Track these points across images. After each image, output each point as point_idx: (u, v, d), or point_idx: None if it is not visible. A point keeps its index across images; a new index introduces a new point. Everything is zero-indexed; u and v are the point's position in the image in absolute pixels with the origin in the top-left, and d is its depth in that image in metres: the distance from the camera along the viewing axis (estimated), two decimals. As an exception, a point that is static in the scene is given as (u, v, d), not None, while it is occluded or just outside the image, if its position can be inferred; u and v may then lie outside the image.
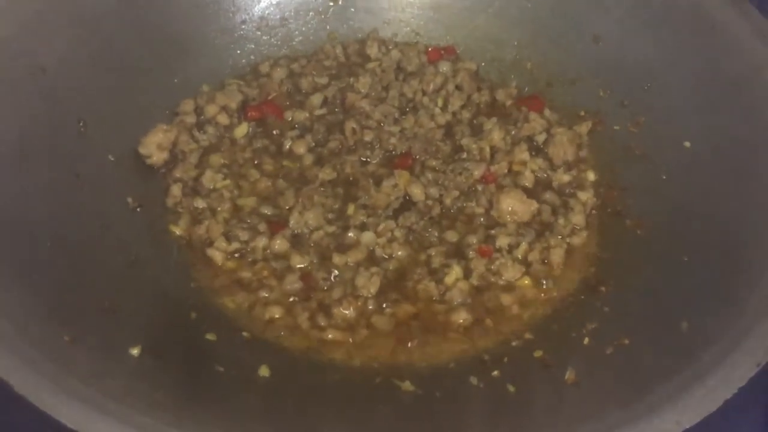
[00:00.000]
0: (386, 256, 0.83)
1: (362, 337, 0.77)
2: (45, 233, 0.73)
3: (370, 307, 0.79)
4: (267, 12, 1.05)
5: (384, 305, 0.79)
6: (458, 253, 0.84)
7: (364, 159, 0.93)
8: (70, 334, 0.62)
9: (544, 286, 0.82)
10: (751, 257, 0.70)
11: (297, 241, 0.84)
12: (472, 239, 0.85)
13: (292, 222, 0.85)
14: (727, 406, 0.58)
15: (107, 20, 0.89)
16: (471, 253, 0.83)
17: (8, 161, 0.75)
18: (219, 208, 0.86)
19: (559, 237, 0.86)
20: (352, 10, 1.08)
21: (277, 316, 0.78)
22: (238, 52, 1.03)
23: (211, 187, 0.88)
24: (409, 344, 0.76)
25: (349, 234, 0.85)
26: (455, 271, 0.82)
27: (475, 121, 0.97)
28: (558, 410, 0.66)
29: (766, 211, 0.73)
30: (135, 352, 0.66)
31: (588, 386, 0.67)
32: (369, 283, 0.80)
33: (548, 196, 0.90)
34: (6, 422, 0.69)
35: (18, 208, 0.72)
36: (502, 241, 0.84)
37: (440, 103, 0.99)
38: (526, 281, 0.82)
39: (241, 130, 0.94)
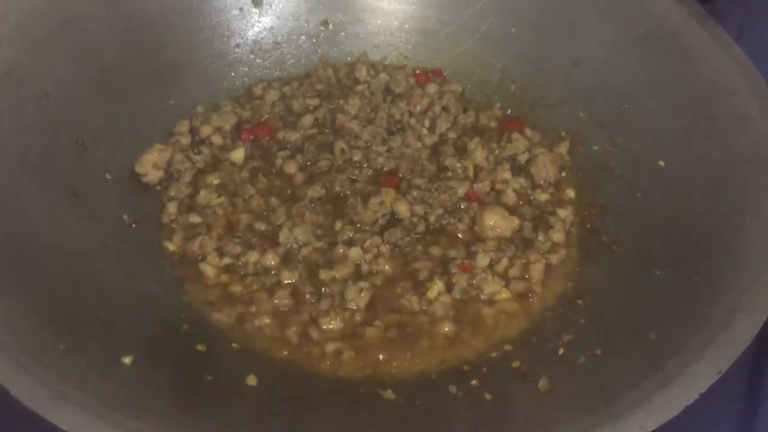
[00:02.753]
0: (373, 271, 0.87)
1: (349, 348, 0.80)
2: (44, 248, 0.76)
3: (357, 319, 0.82)
4: (261, 36, 1.09)
5: (373, 318, 0.82)
6: (441, 268, 0.87)
7: (353, 177, 0.96)
8: (66, 343, 0.65)
9: (524, 301, 0.85)
10: (717, 271, 0.73)
11: (286, 257, 0.87)
12: (455, 255, 0.88)
13: (282, 238, 0.88)
14: (700, 416, 0.62)
15: (108, 46, 0.93)
16: (453, 268, 0.86)
17: (10, 179, 0.78)
18: (213, 224, 0.89)
19: (539, 253, 0.89)
20: (343, 34, 1.12)
21: (266, 328, 0.81)
22: (232, 74, 1.07)
23: (206, 204, 0.91)
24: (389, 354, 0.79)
25: (339, 249, 0.88)
26: (437, 286, 0.84)
27: (459, 142, 1.01)
28: (531, 417, 0.69)
29: (732, 228, 0.76)
30: (127, 361, 0.69)
31: (560, 394, 0.70)
32: (359, 297, 0.83)
33: (529, 213, 0.94)
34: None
35: (19, 224, 0.76)
36: (484, 257, 0.87)
37: (427, 123, 1.03)
38: (507, 295, 0.85)
39: (238, 154, 0.97)
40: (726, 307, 0.68)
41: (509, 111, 1.06)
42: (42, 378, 0.59)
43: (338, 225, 0.91)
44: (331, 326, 0.81)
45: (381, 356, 0.79)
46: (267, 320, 0.81)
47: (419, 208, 0.92)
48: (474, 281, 0.86)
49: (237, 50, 1.07)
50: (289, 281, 0.85)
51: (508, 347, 0.81)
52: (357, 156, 0.98)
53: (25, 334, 0.63)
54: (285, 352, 0.79)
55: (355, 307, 0.82)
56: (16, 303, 0.66)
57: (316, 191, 0.93)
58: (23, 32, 0.86)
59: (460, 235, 0.91)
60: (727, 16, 1.00)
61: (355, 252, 0.87)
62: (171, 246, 0.88)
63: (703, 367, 0.63)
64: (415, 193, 0.94)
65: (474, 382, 0.75)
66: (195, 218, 0.89)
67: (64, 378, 0.60)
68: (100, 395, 0.61)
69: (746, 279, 0.71)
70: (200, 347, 0.77)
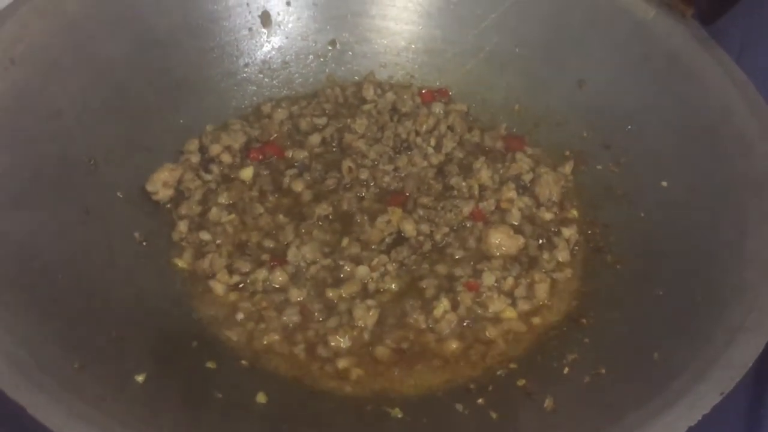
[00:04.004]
0: (380, 290, 0.88)
1: (357, 365, 0.81)
2: (57, 266, 0.77)
3: (365, 337, 0.83)
4: (269, 56, 1.10)
5: (380, 336, 0.83)
6: (447, 285, 0.88)
7: (360, 195, 0.98)
8: (80, 361, 0.66)
9: (529, 319, 0.86)
10: (719, 292, 0.74)
11: (295, 275, 0.88)
12: (461, 273, 0.89)
13: (290, 256, 0.89)
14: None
15: (119, 66, 0.94)
16: (459, 287, 0.88)
17: (23, 197, 0.79)
18: (223, 242, 0.90)
19: (544, 272, 0.90)
20: (350, 53, 1.13)
21: (275, 345, 0.82)
22: (241, 93, 1.08)
23: (217, 221, 0.92)
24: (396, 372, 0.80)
25: (345, 267, 0.89)
26: (443, 304, 0.85)
27: (464, 161, 1.02)
28: (537, 436, 0.71)
29: (734, 249, 0.77)
30: (140, 378, 0.70)
31: (565, 413, 0.71)
32: (367, 316, 0.84)
33: (534, 232, 0.95)
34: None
35: (32, 242, 0.77)
36: (489, 276, 0.88)
37: (433, 143, 1.04)
38: (512, 314, 0.86)
39: (247, 172, 0.98)
40: (729, 327, 0.69)
41: (514, 130, 1.07)
42: (57, 396, 0.60)
43: (345, 242, 0.92)
44: (339, 344, 0.82)
45: (388, 374, 0.80)
46: (276, 337, 0.82)
47: (425, 227, 0.93)
48: (480, 299, 0.87)
49: (246, 69, 1.09)
50: (298, 299, 0.86)
51: (513, 365, 0.81)
52: (364, 174, 0.99)
53: (41, 353, 0.64)
54: (293, 370, 0.80)
55: (363, 325, 0.83)
56: (32, 321, 0.68)
57: (323, 209, 0.94)
58: (37, 53, 0.87)
59: (464, 254, 0.91)
60: (727, 38, 1.02)
61: (362, 270, 0.88)
62: (181, 263, 0.89)
63: (707, 388, 0.64)
64: (421, 211, 0.95)
65: (480, 400, 0.76)
66: (205, 235, 0.91)
67: (79, 396, 0.61)
68: (114, 413, 0.62)
69: (748, 299, 0.72)
70: (210, 364, 0.78)
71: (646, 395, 0.65)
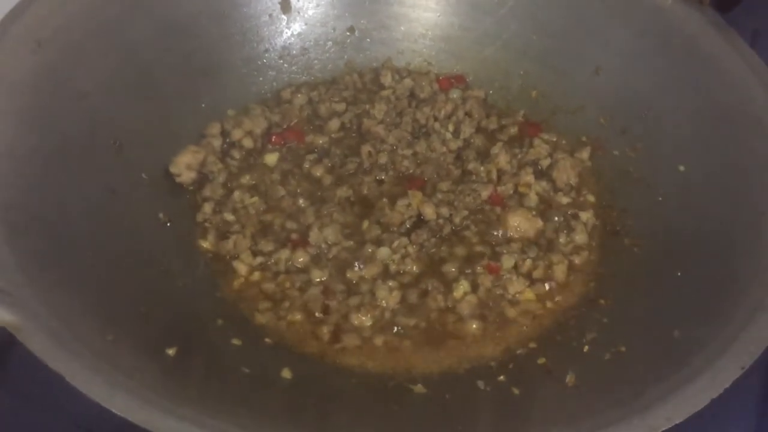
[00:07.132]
0: (401, 271, 0.89)
1: (379, 344, 0.82)
2: (86, 245, 0.78)
3: (387, 316, 0.84)
4: (289, 42, 1.11)
5: (401, 315, 0.84)
6: (467, 267, 0.89)
7: (380, 179, 0.99)
8: (113, 334, 0.68)
9: (548, 300, 0.87)
10: (737, 272, 0.75)
11: (316, 256, 0.90)
12: (480, 253, 0.90)
13: (311, 238, 0.91)
14: (718, 410, 0.64)
15: (143, 49, 0.95)
16: (479, 269, 0.89)
17: (50, 175, 0.80)
18: (246, 224, 0.92)
19: (562, 254, 0.91)
20: (368, 40, 1.14)
21: (298, 324, 0.83)
22: (261, 79, 1.09)
23: (240, 203, 0.94)
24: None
25: (367, 249, 0.90)
26: (463, 286, 0.87)
27: (482, 147, 1.03)
28: (559, 410, 0.72)
29: (752, 231, 0.78)
30: (171, 352, 0.71)
31: (587, 389, 0.72)
32: (389, 297, 0.85)
33: (551, 216, 0.96)
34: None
35: (60, 219, 0.78)
36: (509, 259, 0.89)
37: (451, 128, 1.06)
38: (531, 295, 0.88)
39: (271, 158, 1.00)
40: (748, 306, 0.70)
41: (531, 116, 1.08)
42: (95, 366, 0.61)
43: (365, 225, 0.93)
44: (361, 323, 0.83)
45: (410, 352, 0.82)
46: (299, 316, 0.84)
47: (444, 210, 0.95)
48: (499, 282, 0.88)
49: (266, 55, 1.10)
50: (320, 279, 0.87)
51: (532, 344, 0.83)
52: (383, 159, 1.00)
53: (76, 326, 0.65)
54: (316, 348, 0.82)
55: (385, 305, 0.85)
56: (65, 296, 0.69)
57: (344, 191, 0.96)
58: (63, 35, 0.88)
59: (484, 236, 0.93)
60: (740, 27, 1.02)
61: (383, 252, 0.90)
62: (205, 244, 0.90)
63: (727, 363, 0.65)
64: (440, 195, 0.97)
65: (501, 377, 0.78)
66: (229, 217, 0.92)
67: (115, 366, 0.62)
68: (148, 383, 0.63)
69: (767, 279, 0.73)
70: (235, 341, 0.79)
71: (668, 370, 0.67)
